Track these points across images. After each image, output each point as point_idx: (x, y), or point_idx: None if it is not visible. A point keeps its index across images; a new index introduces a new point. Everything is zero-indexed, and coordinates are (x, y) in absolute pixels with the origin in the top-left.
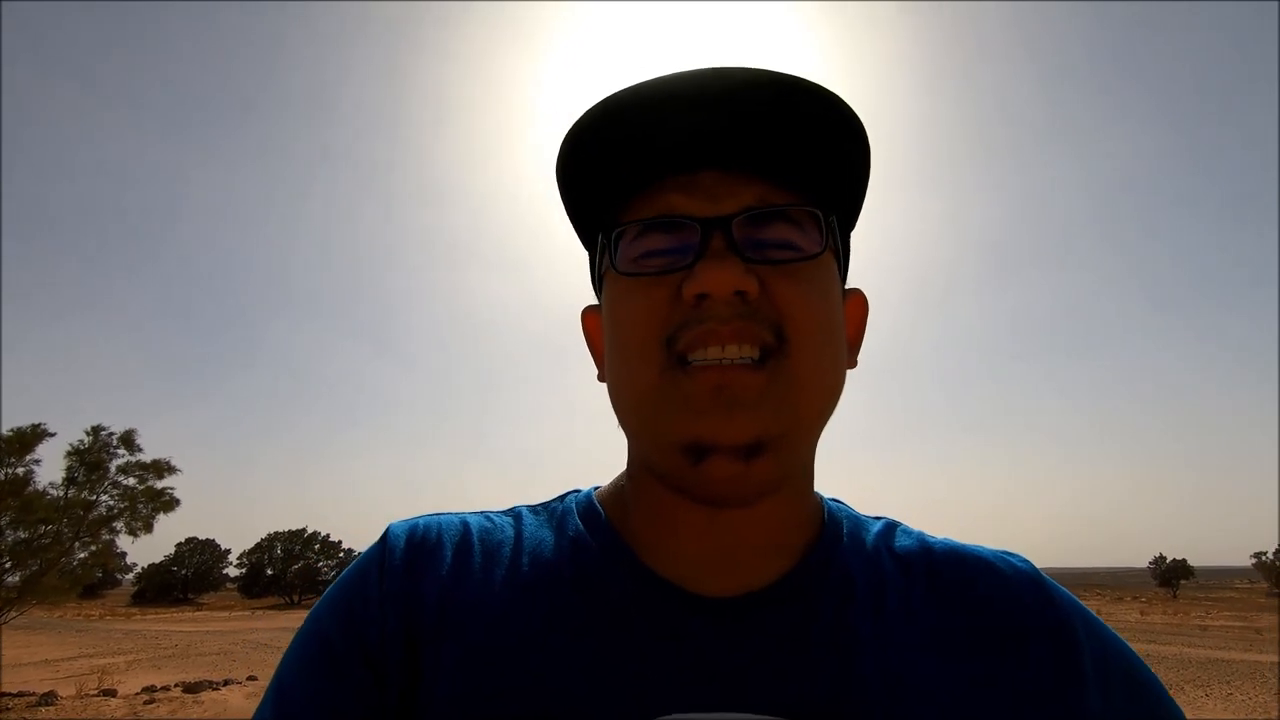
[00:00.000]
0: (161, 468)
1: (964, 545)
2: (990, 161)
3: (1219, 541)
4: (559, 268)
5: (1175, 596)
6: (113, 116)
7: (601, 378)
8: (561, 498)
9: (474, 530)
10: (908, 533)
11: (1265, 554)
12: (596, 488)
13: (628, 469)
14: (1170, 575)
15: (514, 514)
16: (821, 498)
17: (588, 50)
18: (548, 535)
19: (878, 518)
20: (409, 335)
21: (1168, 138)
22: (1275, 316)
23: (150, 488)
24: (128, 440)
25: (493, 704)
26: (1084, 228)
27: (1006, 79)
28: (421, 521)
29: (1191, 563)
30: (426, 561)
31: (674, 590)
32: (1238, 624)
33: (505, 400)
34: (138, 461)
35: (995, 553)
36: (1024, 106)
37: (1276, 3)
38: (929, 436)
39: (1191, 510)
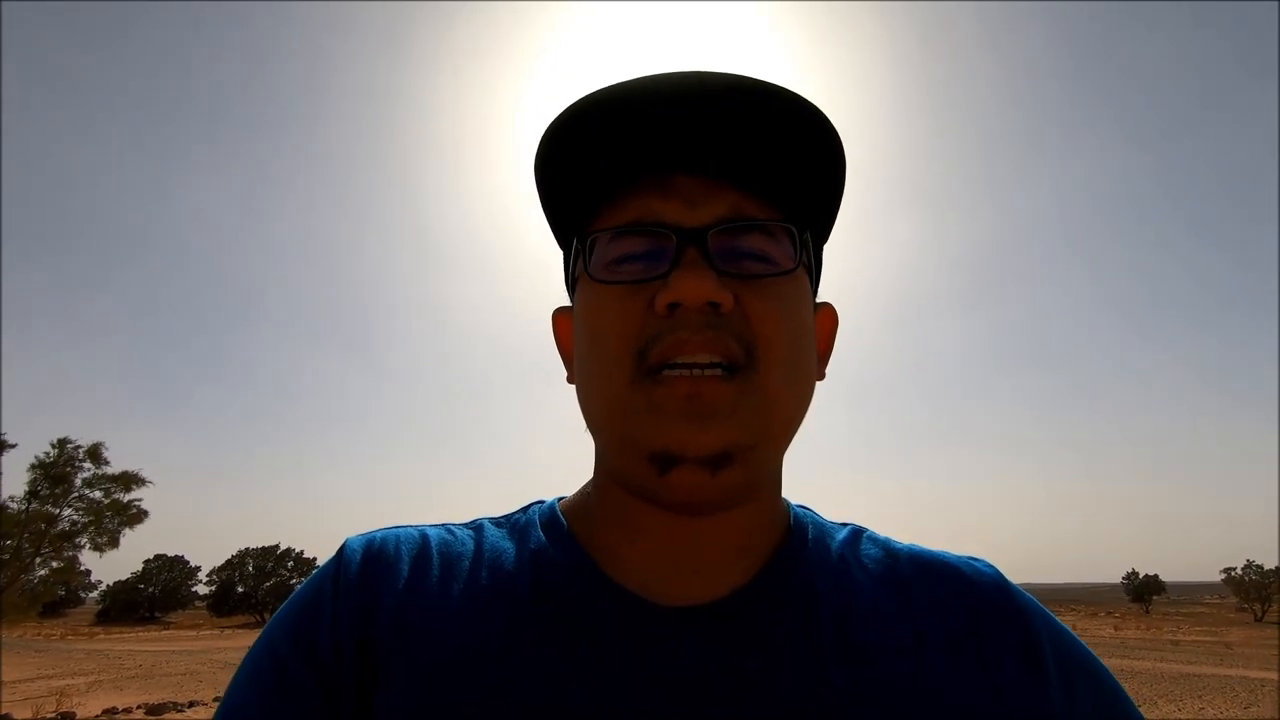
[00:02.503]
0: (130, 480)
1: (929, 551)
2: (966, 179)
3: (1189, 557)
4: (541, 277)
5: (1148, 612)
6: (85, 120)
7: (571, 379)
8: (525, 509)
9: (433, 543)
10: (874, 539)
11: (1234, 569)
12: (561, 498)
13: (594, 476)
14: (1143, 591)
15: (475, 526)
16: (788, 504)
17: (565, 54)
18: (509, 547)
19: (844, 524)
20: (387, 347)
21: (1139, 157)
22: (1248, 335)
23: (116, 500)
24: (94, 454)
25: (450, 718)
26: (1058, 246)
27: (981, 96)
28: (379, 535)
29: (1163, 578)
30: (382, 575)
31: (636, 600)
32: (1208, 639)
33: (486, 412)
34: (104, 474)
35: (960, 558)
36: (998, 123)
37: (1242, 7)
38: (904, 453)
39: (1163, 526)
